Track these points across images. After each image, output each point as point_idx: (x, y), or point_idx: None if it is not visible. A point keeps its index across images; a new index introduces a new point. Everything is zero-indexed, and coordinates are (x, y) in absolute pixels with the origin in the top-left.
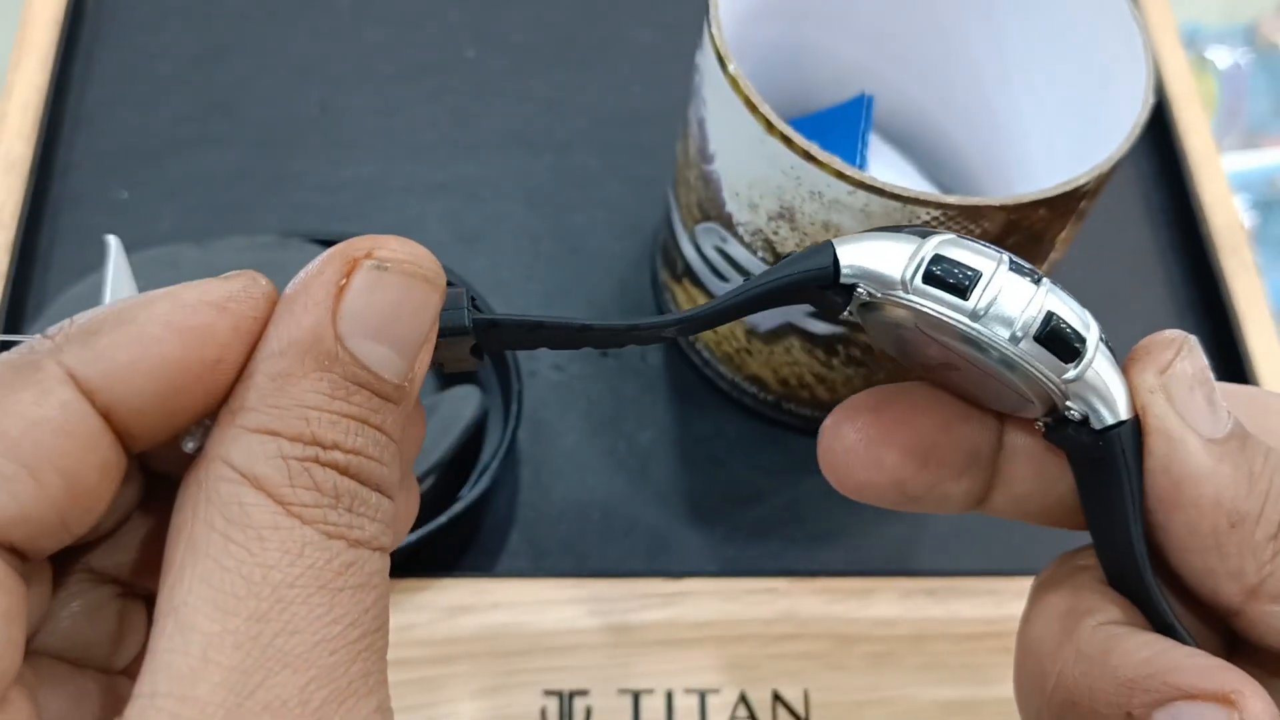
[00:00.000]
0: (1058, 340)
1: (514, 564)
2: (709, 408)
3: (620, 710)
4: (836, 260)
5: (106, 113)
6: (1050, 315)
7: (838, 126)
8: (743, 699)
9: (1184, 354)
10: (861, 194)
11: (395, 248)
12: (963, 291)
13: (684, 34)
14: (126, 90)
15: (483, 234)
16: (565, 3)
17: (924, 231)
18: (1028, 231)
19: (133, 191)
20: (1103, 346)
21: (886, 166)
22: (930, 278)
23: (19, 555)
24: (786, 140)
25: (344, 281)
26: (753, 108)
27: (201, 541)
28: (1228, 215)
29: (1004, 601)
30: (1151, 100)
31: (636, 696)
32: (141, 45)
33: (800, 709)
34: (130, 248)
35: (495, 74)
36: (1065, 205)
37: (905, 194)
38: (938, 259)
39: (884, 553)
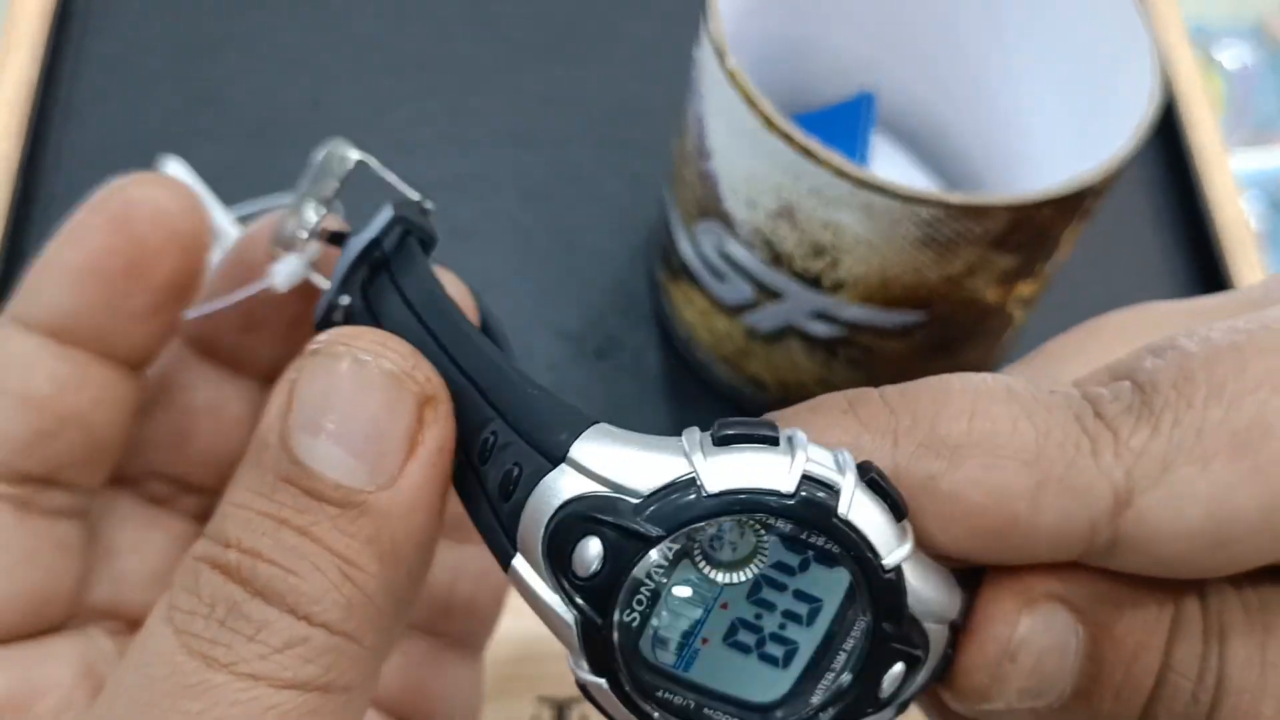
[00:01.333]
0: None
1: None
2: (707, 410)
3: None
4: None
5: (95, 108)
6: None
7: (839, 124)
8: None
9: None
10: (862, 192)
11: (369, 341)
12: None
13: (683, 27)
14: (116, 85)
15: (477, 231)
16: None
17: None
18: (1033, 230)
19: None
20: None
21: (889, 164)
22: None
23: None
24: (786, 136)
25: (296, 375)
26: (752, 103)
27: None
28: (1235, 214)
29: None
30: (1159, 98)
31: None
32: (131, 39)
33: None
34: None
35: (490, 68)
36: (1071, 204)
37: (906, 192)
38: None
39: None
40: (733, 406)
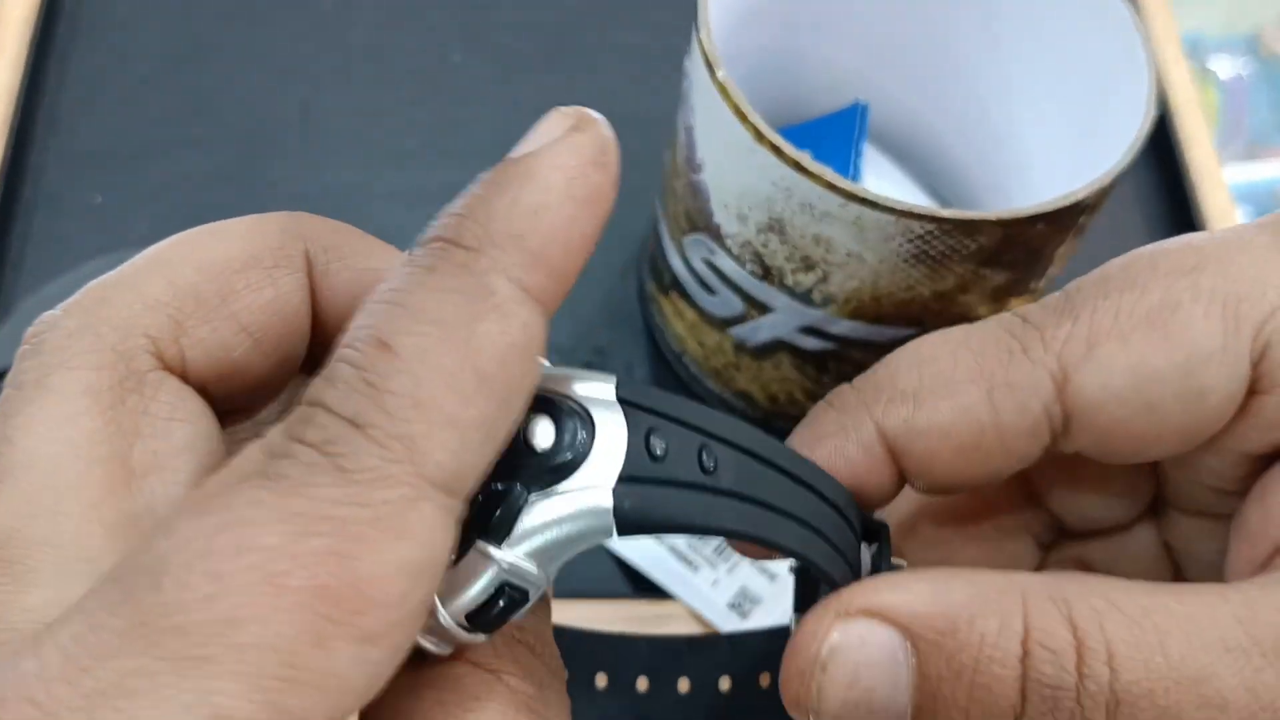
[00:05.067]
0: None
1: None
2: None
3: None
4: None
5: (81, 114)
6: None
7: (831, 136)
8: None
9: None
10: (853, 206)
11: None
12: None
13: (674, 37)
14: (102, 91)
15: None
16: (553, 6)
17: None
18: (1025, 246)
19: (107, 196)
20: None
21: (881, 177)
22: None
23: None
24: (776, 150)
25: None
26: (742, 116)
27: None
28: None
29: None
30: (1153, 113)
31: None
32: (118, 45)
33: None
34: (104, 252)
35: (481, 78)
36: (1064, 220)
37: (898, 207)
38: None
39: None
40: None
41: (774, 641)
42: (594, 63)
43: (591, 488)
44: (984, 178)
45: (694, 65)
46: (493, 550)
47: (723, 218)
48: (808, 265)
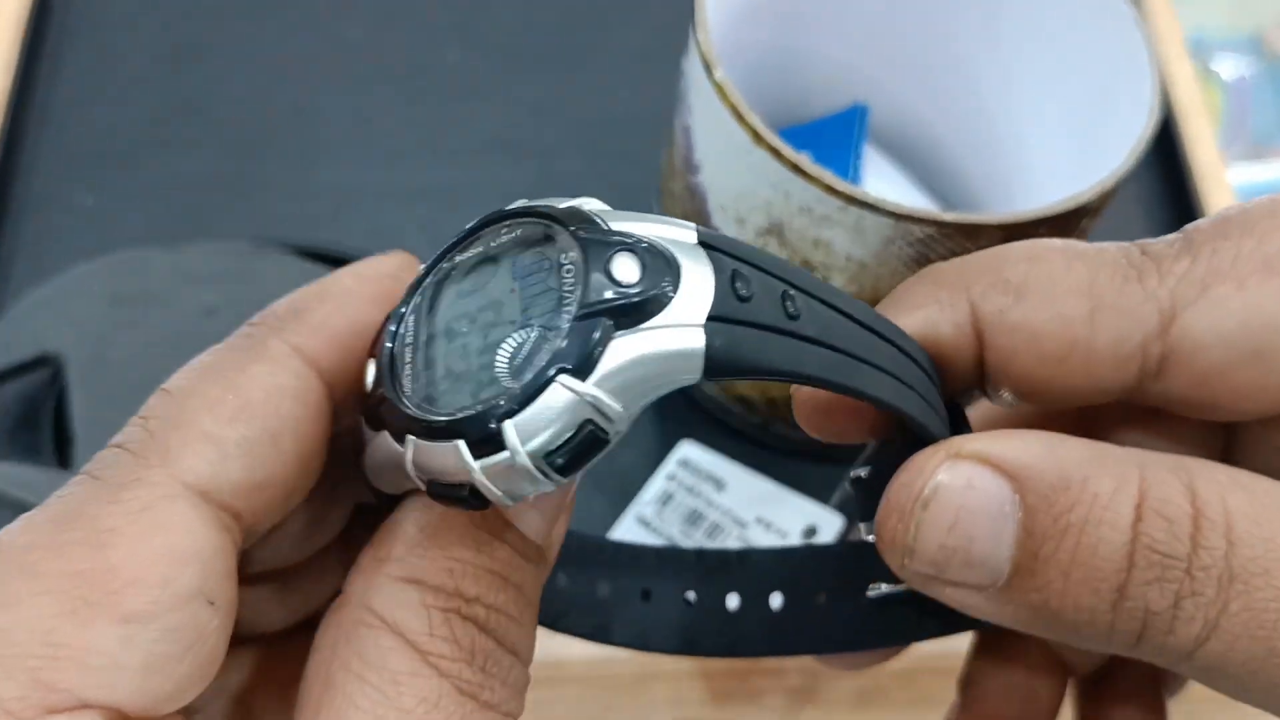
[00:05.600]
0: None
1: None
2: (694, 427)
3: None
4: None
5: (72, 113)
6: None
7: (831, 137)
8: None
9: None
10: (853, 210)
11: None
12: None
13: (674, 36)
14: (93, 90)
15: None
16: (550, 4)
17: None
18: None
19: (98, 195)
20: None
21: (882, 179)
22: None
23: (240, 533)
24: (775, 152)
25: None
26: (740, 117)
27: (339, 681)
28: None
29: None
30: (1157, 115)
31: None
32: (110, 43)
33: None
34: (95, 254)
35: (477, 77)
36: (1067, 223)
37: (898, 210)
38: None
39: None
40: (721, 424)
41: (785, 562)
42: (591, 61)
43: (680, 325)
44: (986, 179)
45: (691, 65)
46: (576, 384)
47: (721, 220)
48: (807, 269)
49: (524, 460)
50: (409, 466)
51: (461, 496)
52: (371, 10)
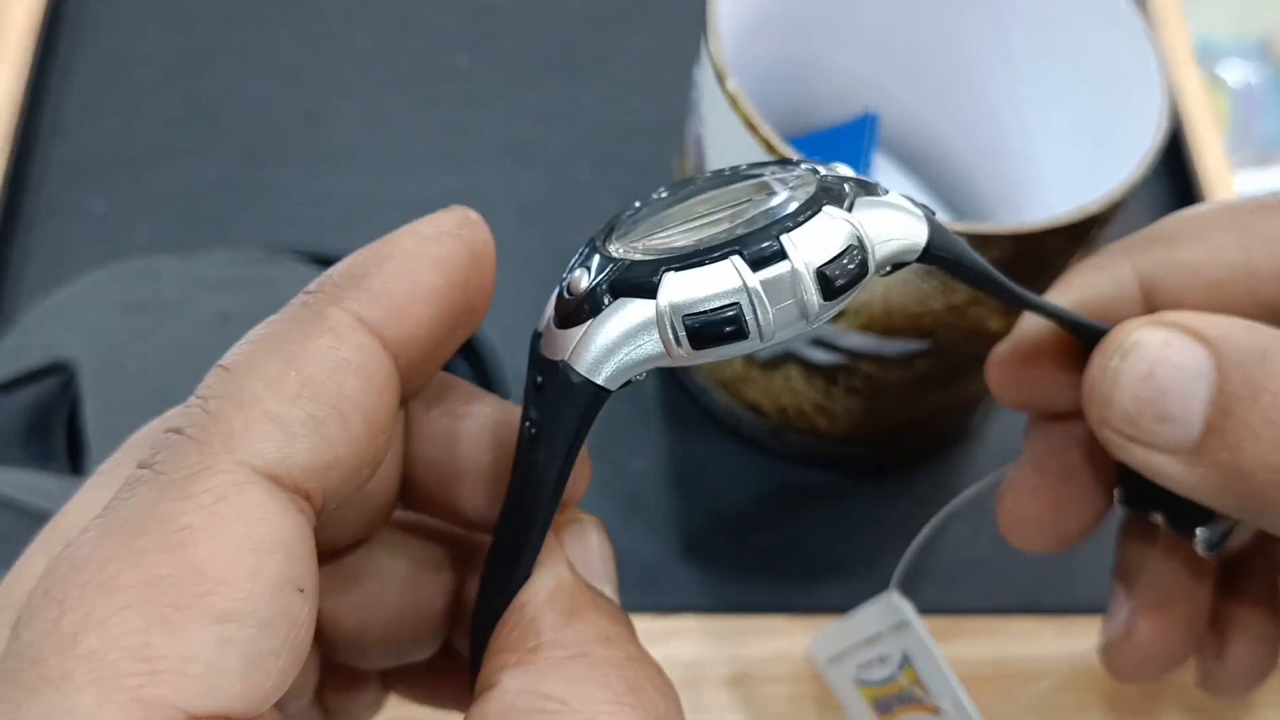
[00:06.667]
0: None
1: None
2: (704, 435)
3: None
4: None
5: (84, 121)
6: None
7: (841, 146)
8: None
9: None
10: None
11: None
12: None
13: (684, 43)
14: (105, 98)
15: None
16: (562, 11)
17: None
18: (1037, 259)
19: (110, 203)
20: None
21: (892, 188)
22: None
23: (315, 513)
24: None
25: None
26: (752, 127)
27: None
28: None
29: (1007, 642)
30: (1166, 125)
31: None
32: (121, 51)
33: None
34: (107, 261)
35: (488, 84)
36: (1077, 233)
37: None
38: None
39: (883, 590)
40: (730, 432)
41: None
42: (601, 69)
43: (906, 207)
44: (995, 188)
45: (703, 75)
46: (842, 213)
47: None
48: None
49: (804, 273)
50: (662, 305)
51: (718, 330)
52: (382, 18)
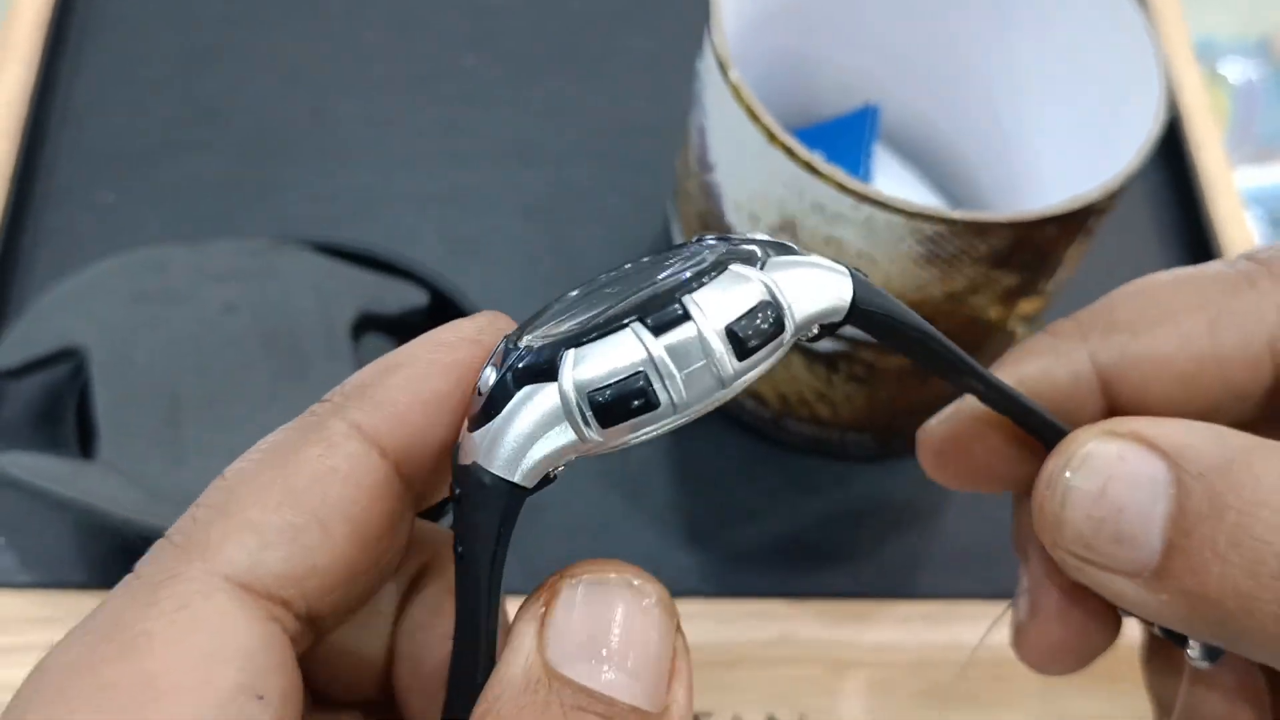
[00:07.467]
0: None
1: (504, 585)
2: (705, 424)
3: None
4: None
5: (93, 114)
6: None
7: (843, 137)
8: None
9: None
10: (865, 208)
11: (594, 567)
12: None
13: (686, 42)
14: (114, 92)
15: (477, 246)
16: (566, 10)
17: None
18: (1036, 248)
19: (119, 195)
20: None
21: (892, 179)
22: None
23: (296, 620)
24: (788, 151)
25: (543, 609)
26: (754, 117)
27: None
28: (1240, 234)
29: (1006, 627)
30: (1165, 116)
31: None
32: (131, 46)
33: None
34: (116, 251)
35: (493, 82)
36: (1075, 222)
37: (909, 208)
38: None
39: (883, 575)
40: (733, 421)
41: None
42: (606, 66)
43: (826, 265)
44: (995, 179)
45: (706, 66)
46: (749, 269)
47: (735, 218)
48: None
49: (711, 334)
50: (565, 387)
51: (625, 406)
52: (388, 16)
